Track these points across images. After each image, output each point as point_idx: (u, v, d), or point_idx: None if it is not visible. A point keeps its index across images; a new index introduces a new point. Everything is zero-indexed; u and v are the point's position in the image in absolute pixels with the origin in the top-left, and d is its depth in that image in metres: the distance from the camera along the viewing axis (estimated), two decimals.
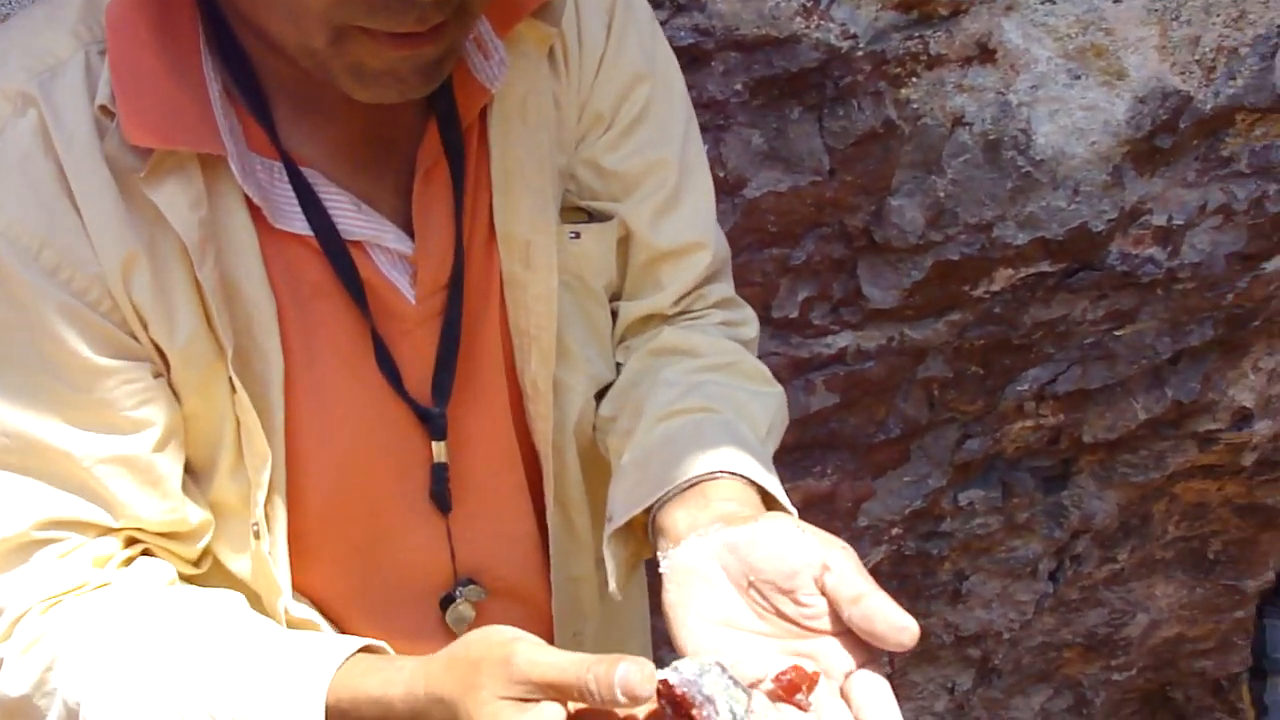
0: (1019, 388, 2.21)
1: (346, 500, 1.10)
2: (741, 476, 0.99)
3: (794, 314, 2.02)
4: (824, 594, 0.87)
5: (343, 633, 1.14)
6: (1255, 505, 2.62)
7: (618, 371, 1.22)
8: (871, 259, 2.00)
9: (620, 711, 0.82)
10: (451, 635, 1.14)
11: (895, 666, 2.59)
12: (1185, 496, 2.57)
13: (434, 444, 1.12)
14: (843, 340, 2.07)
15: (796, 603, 0.88)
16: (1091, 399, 2.27)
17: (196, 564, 1.09)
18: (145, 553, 1.06)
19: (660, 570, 0.95)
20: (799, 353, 2.06)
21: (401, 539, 1.14)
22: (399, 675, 0.89)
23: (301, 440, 1.06)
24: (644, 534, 1.03)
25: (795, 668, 0.86)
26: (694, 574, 0.92)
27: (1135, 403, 2.28)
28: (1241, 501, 2.62)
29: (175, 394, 1.03)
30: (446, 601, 1.18)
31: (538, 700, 0.82)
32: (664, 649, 0.94)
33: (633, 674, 0.79)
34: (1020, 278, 2.05)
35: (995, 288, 2.06)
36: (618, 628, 1.33)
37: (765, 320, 1.95)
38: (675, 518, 0.97)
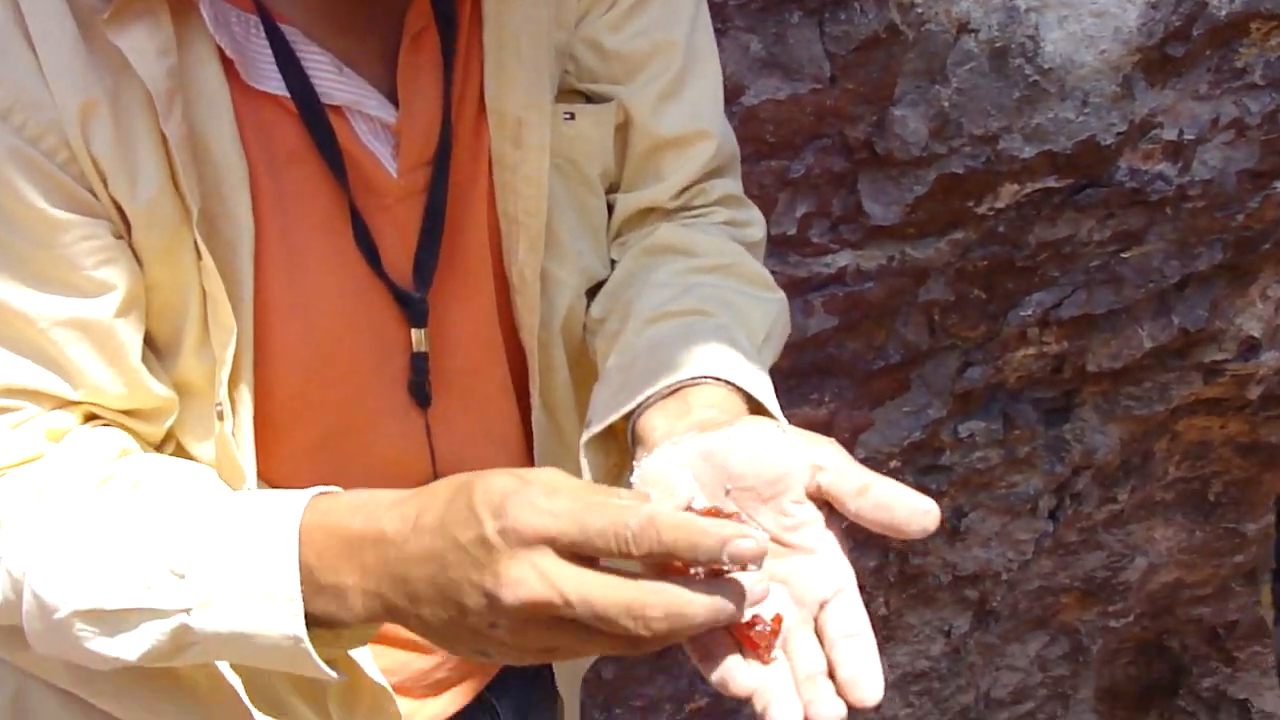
0: (1022, 313, 2.16)
1: (317, 385, 1.05)
2: (729, 383, 0.94)
3: (792, 231, 1.97)
4: (820, 495, 0.82)
5: None
6: (1258, 444, 2.58)
7: (612, 269, 1.17)
8: (873, 173, 1.95)
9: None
10: None
11: (891, 608, 2.55)
12: (1187, 435, 2.53)
13: (414, 332, 1.07)
14: (842, 259, 2.02)
15: (781, 513, 0.83)
16: (1096, 325, 2.22)
17: (159, 448, 1.04)
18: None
19: (630, 480, 0.89)
20: (797, 272, 2.00)
21: (376, 432, 1.08)
22: (383, 497, 0.84)
23: (271, 316, 1.01)
24: (626, 442, 0.98)
25: (755, 618, 0.79)
26: (663, 483, 0.86)
27: (1141, 330, 2.23)
28: (1244, 440, 2.58)
29: (137, 259, 0.97)
30: None
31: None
32: None
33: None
34: (1026, 194, 2.00)
35: (1000, 204, 2.01)
36: None
37: None
38: (653, 424, 0.92)
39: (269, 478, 1.05)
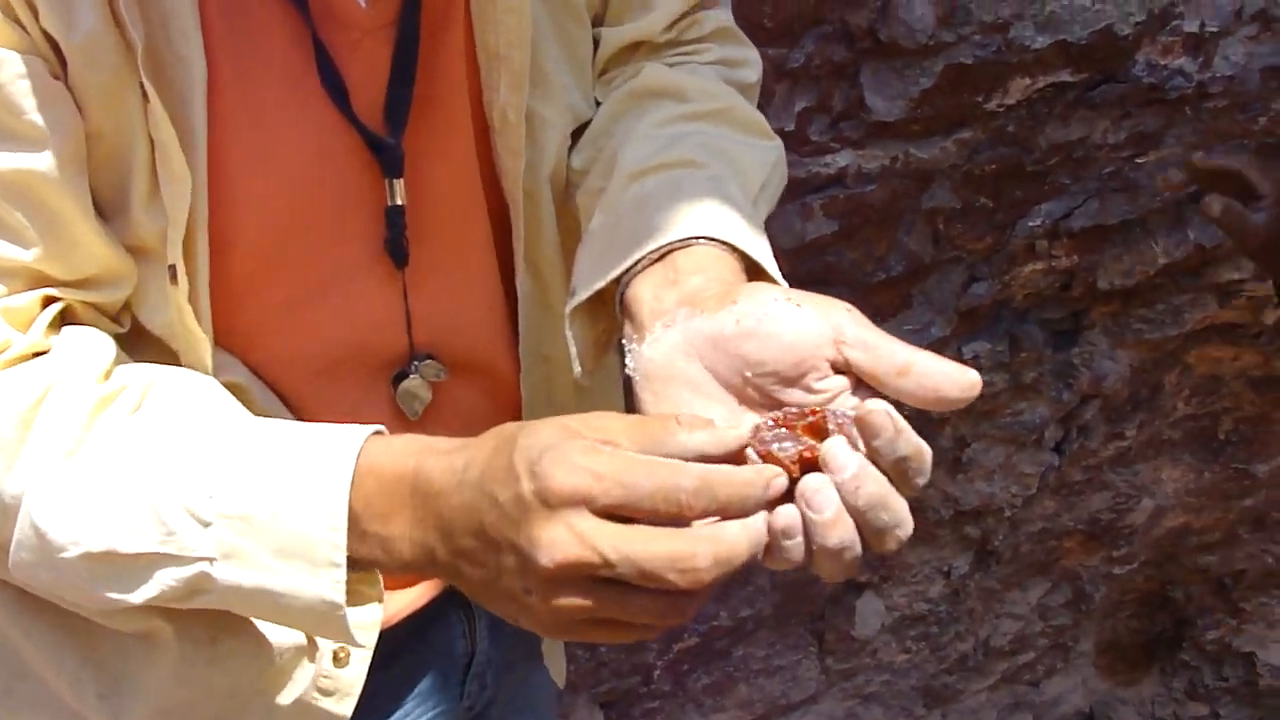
0: (1031, 223, 2.08)
1: (281, 242, 0.95)
2: (723, 242, 0.88)
3: (790, 126, 1.86)
4: (849, 371, 0.77)
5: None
6: (1272, 378, 2.51)
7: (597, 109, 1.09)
8: (876, 64, 1.85)
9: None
10: (403, 420, 1.04)
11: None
12: (1198, 367, 2.46)
13: (388, 182, 0.97)
14: (843, 159, 1.92)
15: (808, 390, 0.78)
16: (1108, 238, 2.14)
17: (117, 320, 0.94)
18: (68, 318, 0.92)
19: (627, 371, 0.84)
20: (795, 172, 1.90)
21: (347, 295, 0.99)
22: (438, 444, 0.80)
23: (228, 166, 0.91)
24: (614, 309, 0.92)
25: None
26: (673, 379, 0.81)
27: (1154, 245, 2.15)
28: (1257, 374, 2.51)
29: (77, 106, 0.87)
30: (400, 379, 1.04)
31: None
32: None
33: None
34: (1037, 89, 1.91)
35: (1010, 100, 1.92)
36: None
37: None
38: (640, 296, 0.86)
39: (229, 346, 0.96)
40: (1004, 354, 2.25)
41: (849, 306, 0.78)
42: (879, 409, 0.73)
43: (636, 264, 0.88)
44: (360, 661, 1.02)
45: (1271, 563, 2.85)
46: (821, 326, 0.77)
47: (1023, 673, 2.85)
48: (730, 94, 1.07)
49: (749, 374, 0.78)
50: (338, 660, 1.02)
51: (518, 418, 1.09)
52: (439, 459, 0.78)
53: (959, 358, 2.18)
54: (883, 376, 0.76)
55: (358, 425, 0.82)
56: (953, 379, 0.75)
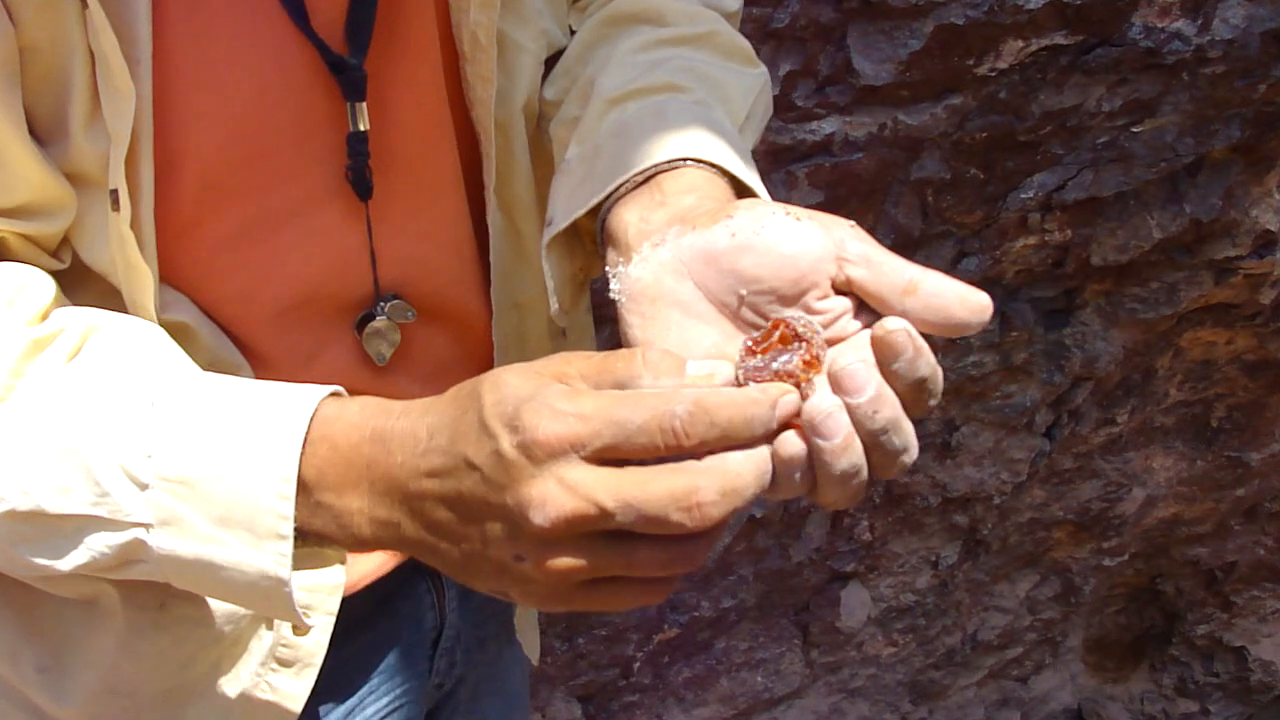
0: (1023, 195, 2.02)
1: (233, 167, 0.88)
2: (711, 165, 0.83)
3: (775, 91, 1.80)
4: (851, 292, 0.72)
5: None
6: (1266, 361, 2.47)
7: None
8: (864, 25, 1.79)
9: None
10: (370, 367, 0.97)
11: (876, 534, 2.40)
12: (1191, 351, 2.42)
13: (350, 106, 0.90)
14: (829, 126, 1.85)
15: (808, 311, 0.73)
16: (1102, 211, 2.08)
17: (56, 256, 0.86)
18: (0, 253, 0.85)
19: (611, 294, 0.78)
20: (780, 139, 1.84)
21: (305, 228, 0.92)
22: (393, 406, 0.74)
23: (175, 83, 0.83)
24: (593, 244, 0.88)
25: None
26: (660, 298, 0.75)
27: (1150, 219, 2.09)
28: (1251, 358, 2.47)
29: (8, 14, 0.79)
30: (365, 323, 0.97)
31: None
32: None
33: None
34: (1031, 52, 1.84)
35: (1002, 64, 1.85)
36: None
37: None
38: (624, 220, 0.81)
39: (177, 284, 0.89)
40: (994, 333, 2.20)
41: (852, 223, 0.73)
42: (899, 328, 0.68)
43: (619, 189, 0.83)
44: (322, 629, 0.94)
45: (1263, 555, 2.81)
46: (823, 241, 0.72)
47: (1011, 668, 2.81)
48: (712, 18, 1.01)
49: (744, 291, 0.73)
50: (297, 628, 0.94)
51: (489, 366, 1.02)
52: (399, 424, 0.71)
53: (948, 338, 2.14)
54: (887, 295, 0.70)
55: (313, 385, 0.75)
56: (963, 299, 0.70)
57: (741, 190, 0.83)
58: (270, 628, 0.94)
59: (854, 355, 0.68)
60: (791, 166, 1.86)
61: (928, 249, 2.06)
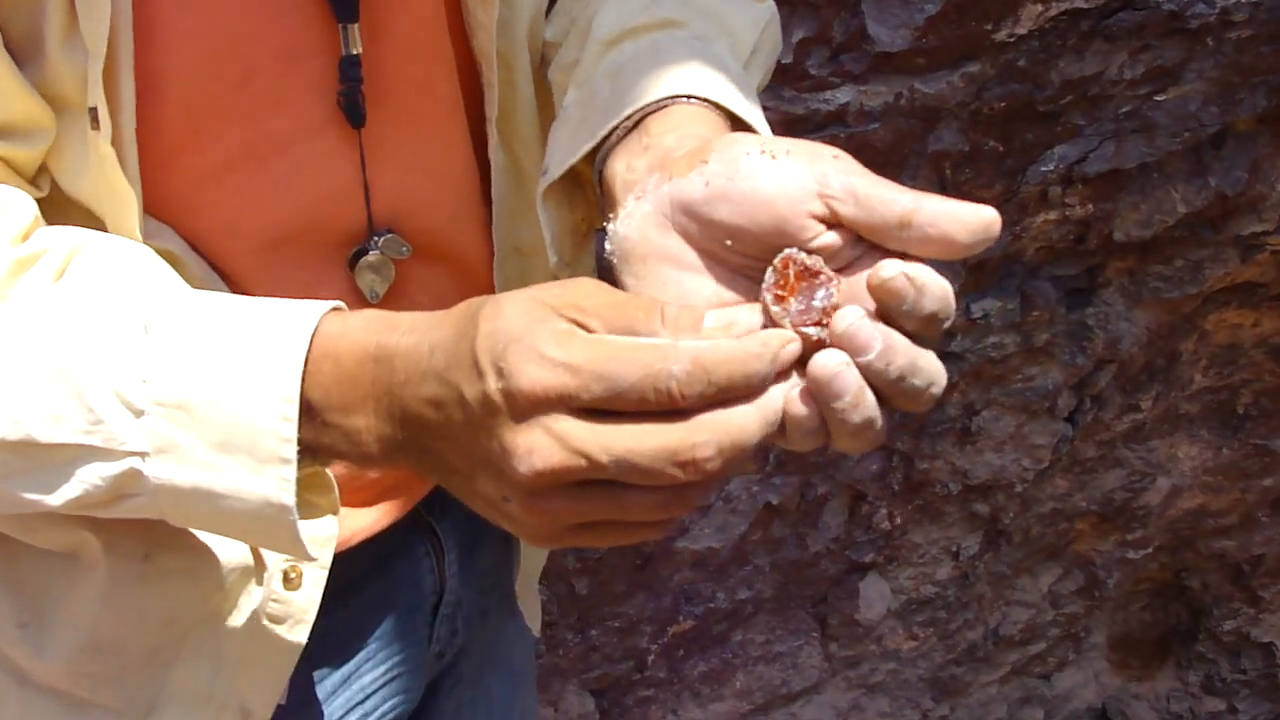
0: (1043, 168, 1.98)
1: (218, 91, 0.84)
2: (704, 100, 0.79)
3: (787, 59, 1.76)
4: (840, 227, 0.68)
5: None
6: None
7: None
8: None
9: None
10: (363, 303, 0.93)
11: (895, 522, 2.35)
12: (1216, 335, 2.37)
13: (343, 28, 0.86)
14: (843, 95, 1.81)
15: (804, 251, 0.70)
16: (1125, 185, 2.04)
17: (35, 184, 0.83)
18: None
19: (605, 255, 0.76)
20: (793, 108, 1.80)
21: (296, 158, 0.89)
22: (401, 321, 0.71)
23: None
24: (592, 192, 0.85)
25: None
26: (650, 255, 0.72)
27: (1174, 192, 2.05)
28: (1278, 341, 2.42)
29: None
30: (358, 257, 0.93)
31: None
32: None
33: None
34: (1050, 16, 1.81)
35: (1021, 30, 1.81)
36: None
37: None
38: (614, 170, 0.78)
39: (162, 215, 0.85)
40: (1014, 313, 2.15)
41: (836, 152, 0.69)
42: (894, 274, 0.64)
43: (610, 135, 0.80)
44: (314, 584, 0.91)
45: None
46: (803, 180, 0.67)
47: (1033, 664, 2.77)
48: None
49: (729, 243, 0.70)
50: (288, 582, 0.91)
51: None
52: (404, 340, 0.69)
53: (967, 316, 2.11)
54: (880, 232, 0.66)
55: (314, 301, 0.72)
56: (962, 221, 0.65)
57: (740, 126, 0.79)
58: (260, 582, 0.90)
59: (851, 314, 0.65)
60: (804, 137, 1.82)
61: None
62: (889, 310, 0.64)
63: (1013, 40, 1.83)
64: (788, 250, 0.67)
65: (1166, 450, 2.53)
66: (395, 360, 0.68)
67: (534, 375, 0.62)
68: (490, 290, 0.98)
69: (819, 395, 0.64)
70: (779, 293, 0.67)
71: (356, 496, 0.99)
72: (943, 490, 2.36)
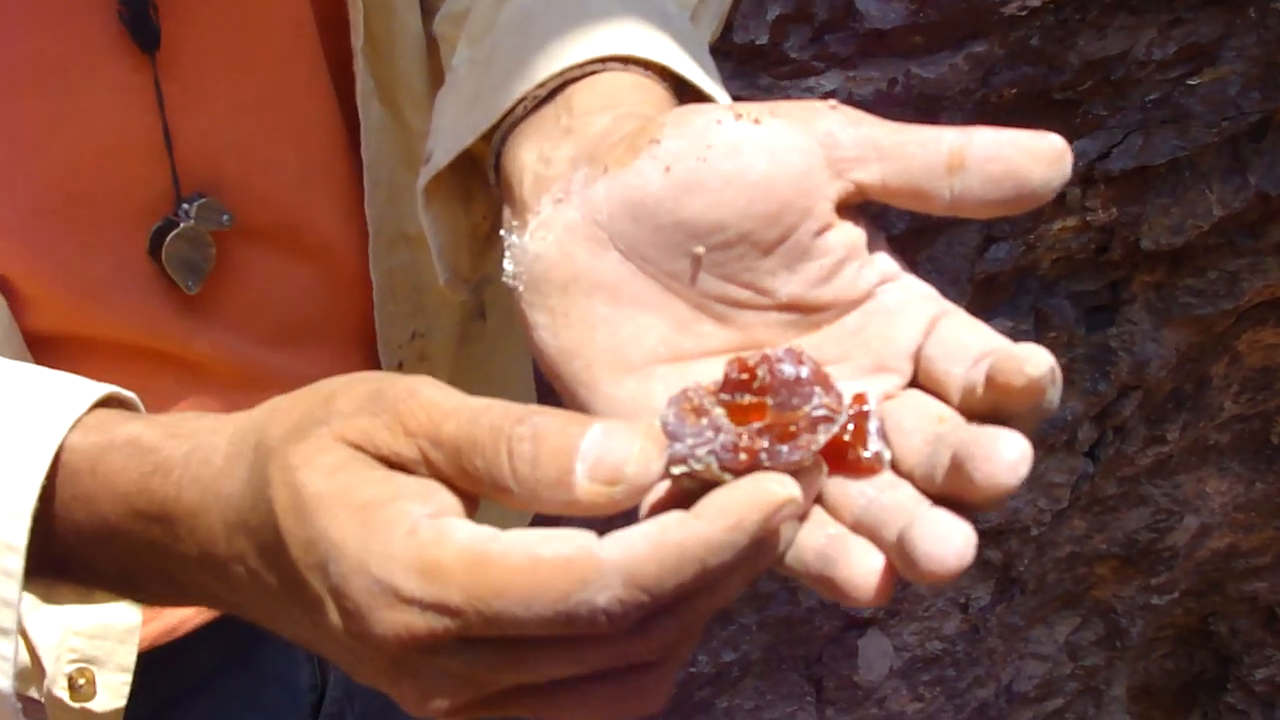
0: None
1: None
2: (641, 64, 0.64)
3: (763, 40, 1.65)
4: (866, 195, 0.56)
5: None
6: None
7: None
8: None
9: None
10: (179, 304, 0.76)
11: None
12: (1250, 357, 2.29)
13: None
14: (829, 81, 1.69)
15: (799, 259, 0.56)
16: (1153, 184, 1.92)
17: None
18: None
19: (505, 280, 0.60)
20: (770, 97, 1.66)
21: (69, 96, 0.72)
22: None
23: None
24: (492, 182, 0.70)
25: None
26: (573, 283, 0.57)
27: (1209, 192, 1.94)
28: None
29: None
30: (163, 234, 0.76)
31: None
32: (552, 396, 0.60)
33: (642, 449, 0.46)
34: None
35: (1034, 2, 1.70)
36: (485, 348, 0.92)
37: (724, 48, 1.57)
38: (520, 160, 0.62)
39: None
40: (1029, 333, 2.05)
41: (832, 103, 0.57)
42: (1043, 370, 0.49)
43: (515, 109, 0.64)
44: (113, 693, 0.73)
45: None
46: (804, 146, 0.55)
47: None
48: None
49: (699, 249, 0.56)
50: (76, 691, 0.73)
51: (367, 312, 0.83)
52: (183, 496, 0.53)
53: None
54: (926, 185, 0.54)
55: (61, 396, 0.57)
56: (1031, 150, 0.53)
57: (693, 97, 0.64)
58: (39, 692, 0.74)
59: (903, 495, 0.52)
60: None
61: (949, 234, 1.93)
62: (1000, 413, 0.51)
63: (1024, 14, 1.73)
64: (770, 351, 0.52)
65: (1194, 486, 2.47)
66: (178, 527, 0.53)
67: (393, 623, 0.47)
68: (366, 285, 0.81)
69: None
70: (720, 398, 0.51)
71: None
72: None
